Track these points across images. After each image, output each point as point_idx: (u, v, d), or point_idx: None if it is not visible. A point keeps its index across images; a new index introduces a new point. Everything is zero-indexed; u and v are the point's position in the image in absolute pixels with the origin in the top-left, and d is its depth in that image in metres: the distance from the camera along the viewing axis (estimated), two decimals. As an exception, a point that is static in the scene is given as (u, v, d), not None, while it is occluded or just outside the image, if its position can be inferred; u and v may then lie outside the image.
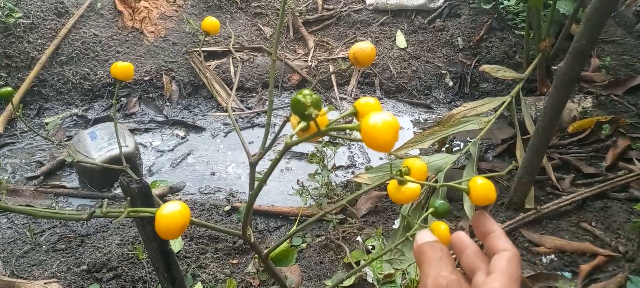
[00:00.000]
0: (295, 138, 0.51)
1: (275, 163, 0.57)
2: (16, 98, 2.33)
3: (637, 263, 1.46)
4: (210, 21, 0.87)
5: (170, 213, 0.48)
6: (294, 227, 1.76)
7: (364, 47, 0.66)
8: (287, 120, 0.79)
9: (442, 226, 0.58)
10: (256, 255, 1.64)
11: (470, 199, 0.56)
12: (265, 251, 0.85)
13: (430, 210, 0.61)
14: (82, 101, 2.52)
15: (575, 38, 1.24)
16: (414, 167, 0.60)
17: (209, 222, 1.77)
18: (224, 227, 0.73)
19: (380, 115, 0.43)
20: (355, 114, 0.49)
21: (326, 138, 2.25)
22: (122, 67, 0.79)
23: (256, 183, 0.71)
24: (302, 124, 0.49)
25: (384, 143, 0.43)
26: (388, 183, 0.62)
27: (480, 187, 0.56)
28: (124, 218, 1.67)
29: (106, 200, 0.55)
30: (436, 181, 1.56)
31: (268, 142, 0.80)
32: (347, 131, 0.48)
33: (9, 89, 0.75)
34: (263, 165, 0.73)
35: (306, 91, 0.45)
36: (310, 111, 0.43)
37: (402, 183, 0.59)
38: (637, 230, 1.51)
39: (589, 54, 1.29)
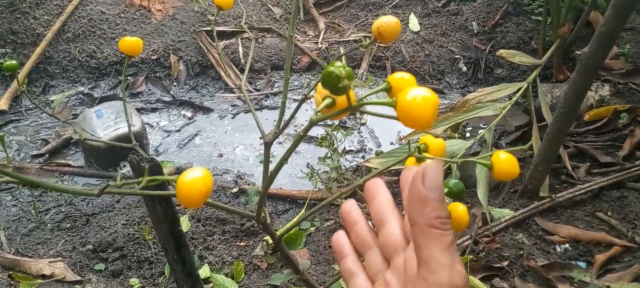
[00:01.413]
0: (320, 115, 0.47)
1: (298, 140, 0.54)
2: (22, 74, 2.31)
3: (654, 255, 1.44)
4: (224, -5, 0.82)
5: (193, 180, 0.45)
6: (303, 211, 1.73)
7: (389, 20, 0.62)
8: (305, 97, 0.75)
9: (460, 207, 0.56)
10: (264, 238, 1.62)
11: (493, 174, 0.55)
12: (277, 234, 0.82)
13: (445, 190, 0.58)
14: (88, 79, 2.49)
15: (601, 22, 1.20)
16: (432, 143, 0.58)
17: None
18: (237, 209, 0.70)
19: (419, 90, 0.40)
20: (388, 89, 0.46)
21: (336, 121, 2.21)
22: (130, 42, 0.76)
23: (271, 165, 0.68)
24: (328, 101, 0.45)
25: (423, 120, 0.39)
26: (400, 169, 0.60)
27: (504, 161, 0.55)
28: (131, 198, 1.63)
29: (120, 173, 0.51)
30: (449, 167, 1.53)
31: (283, 121, 0.77)
32: (382, 107, 0.45)
33: (13, 62, 0.71)
34: (274, 149, 0.70)
35: (338, 63, 0.41)
36: (345, 83, 0.40)
37: (420, 160, 0.57)
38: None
39: (616, 39, 1.25)
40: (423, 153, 0.57)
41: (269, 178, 0.63)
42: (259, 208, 0.74)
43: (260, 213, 0.75)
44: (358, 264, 0.47)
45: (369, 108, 0.45)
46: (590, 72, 1.29)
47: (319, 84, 0.45)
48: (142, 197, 1.85)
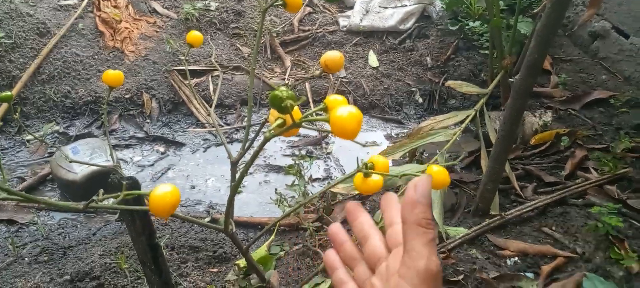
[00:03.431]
0: (273, 132, 0.59)
1: (255, 154, 0.66)
2: (-2, 114, 2.36)
3: (593, 263, 1.56)
4: (194, 34, 0.95)
5: (163, 194, 0.56)
6: (272, 236, 1.83)
7: (333, 55, 0.76)
8: (265, 121, 0.88)
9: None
10: (237, 262, 1.71)
11: None
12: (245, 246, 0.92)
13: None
14: (63, 118, 2.56)
15: (527, 53, 1.37)
16: (377, 162, 0.70)
17: (189, 233, 1.82)
18: (205, 222, 0.81)
19: (346, 107, 0.52)
20: (325, 108, 0.58)
21: (303, 151, 2.34)
22: (113, 75, 0.87)
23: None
24: (280, 120, 0.58)
25: (350, 131, 0.52)
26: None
27: (436, 172, 0.67)
28: (106, 227, 1.70)
29: (102, 190, 0.62)
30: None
31: (247, 144, 0.89)
32: (318, 122, 0.57)
33: (9, 93, 0.81)
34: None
35: (282, 87, 0.54)
36: (286, 103, 0.52)
37: (366, 175, 0.69)
38: (593, 232, 1.62)
39: (541, 67, 1.41)
40: (369, 170, 0.69)
41: (232, 189, 0.75)
42: (226, 220, 0.86)
43: (227, 225, 0.87)
44: (348, 275, 0.56)
45: (309, 122, 0.57)
46: (522, 97, 1.44)
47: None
48: (120, 224, 1.92)
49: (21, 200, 0.64)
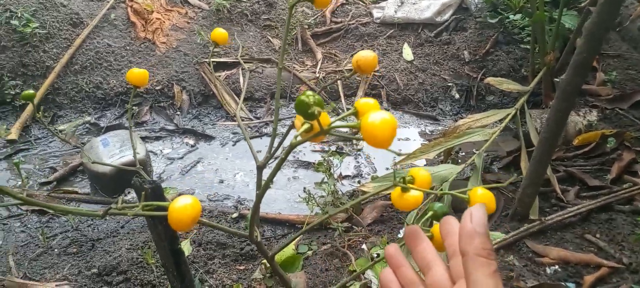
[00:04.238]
0: (299, 138, 0.54)
1: (280, 162, 0.60)
2: (30, 107, 2.39)
3: (641, 275, 1.47)
4: (219, 32, 0.91)
5: (183, 206, 0.51)
6: (300, 232, 1.79)
7: (366, 54, 0.70)
8: (293, 125, 0.82)
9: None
10: (263, 261, 1.67)
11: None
12: (270, 253, 0.88)
13: (430, 213, 0.64)
14: (94, 109, 2.58)
15: (576, 51, 1.27)
16: (418, 176, 0.63)
17: (216, 230, 1.80)
18: (230, 228, 0.76)
19: (379, 113, 0.46)
20: (355, 113, 0.52)
21: (333, 147, 2.28)
22: (138, 73, 0.83)
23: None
24: (306, 125, 0.52)
25: (382, 139, 0.46)
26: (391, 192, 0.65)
27: (480, 197, 0.60)
28: (134, 221, 1.69)
29: (121, 197, 0.58)
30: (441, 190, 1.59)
31: (275, 146, 0.84)
32: (349, 130, 0.51)
33: (31, 91, 0.79)
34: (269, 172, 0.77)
35: (309, 92, 0.48)
36: (313, 110, 0.46)
37: (405, 190, 0.62)
38: (641, 241, 1.53)
39: (590, 66, 1.31)
40: (408, 185, 0.62)
41: (257, 198, 0.70)
42: (251, 228, 0.81)
43: (252, 232, 0.82)
44: None
45: (339, 130, 0.52)
46: (569, 98, 1.35)
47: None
48: (145, 221, 1.91)
49: (39, 207, 0.61)
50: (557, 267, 1.55)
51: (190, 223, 0.53)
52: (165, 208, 0.72)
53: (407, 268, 0.55)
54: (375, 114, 0.46)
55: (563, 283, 1.49)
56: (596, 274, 1.47)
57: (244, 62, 2.69)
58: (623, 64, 2.43)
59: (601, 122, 2.13)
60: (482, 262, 0.43)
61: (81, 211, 0.59)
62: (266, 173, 0.82)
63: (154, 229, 0.82)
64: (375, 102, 0.53)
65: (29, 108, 2.41)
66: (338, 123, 0.50)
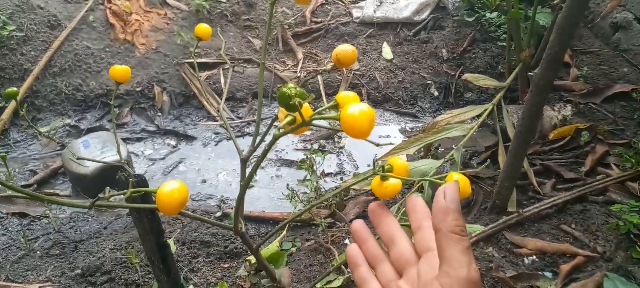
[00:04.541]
0: (282, 130, 0.56)
1: (264, 153, 0.62)
2: (9, 109, 2.36)
3: (614, 263, 1.51)
4: (203, 27, 0.92)
5: (171, 190, 0.53)
6: (284, 231, 1.81)
7: (345, 48, 0.72)
8: (275, 118, 0.84)
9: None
10: (248, 258, 1.68)
11: None
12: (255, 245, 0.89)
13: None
14: (74, 112, 2.56)
15: (547, 46, 1.31)
16: (396, 164, 0.66)
17: (200, 229, 1.81)
18: (215, 221, 0.78)
19: (357, 105, 0.49)
20: (336, 105, 0.54)
21: (315, 145, 2.30)
22: (120, 70, 0.84)
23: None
24: (289, 118, 0.54)
25: (361, 130, 0.48)
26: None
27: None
28: (117, 221, 1.68)
29: (108, 188, 0.59)
30: (421, 185, 1.62)
31: (257, 141, 0.86)
32: (329, 122, 0.53)
33: (14, 89, 0.79)
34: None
35: (291, 84, 0.51)
36: (295, 101, 0.49)
37: (384, 179, 0.65)
38: (614, 230, 1.57)
39: (562, 61, 1.35)
40: (387, 173, 0.64)
41: (241, 188, 0.72)
42: (236, 220, 0.83)
43: (237, 224, 0.84)
44: (370, 273, 0.55)
45: (320, 121, 0.54)
46: (542, 92, 1.39)
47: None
48: (131, 218, 1.91)
49: (28, 197, 0.61)
50: (534, 257, 1.59)
51: (178, 206, 0.54)
52: (152, 199, 0.73)
53: (373, 242, 0.56)
54: (353, 106, 0.48)
55: (540, 273, 1.53)
56: (572, 263, 1.52)
57: (225, 61, 2.70)
58: (595, 60, 2.50)
59: (575, 116, 2.18)
60: (456, 238, 0.44)
61: (69, 202, 0.60)
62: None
63: (139, 223, 0.83)
64: (355, 94, 0.55)
65: (7, 111, 2.38)
66: (319, 115, 0.52)
